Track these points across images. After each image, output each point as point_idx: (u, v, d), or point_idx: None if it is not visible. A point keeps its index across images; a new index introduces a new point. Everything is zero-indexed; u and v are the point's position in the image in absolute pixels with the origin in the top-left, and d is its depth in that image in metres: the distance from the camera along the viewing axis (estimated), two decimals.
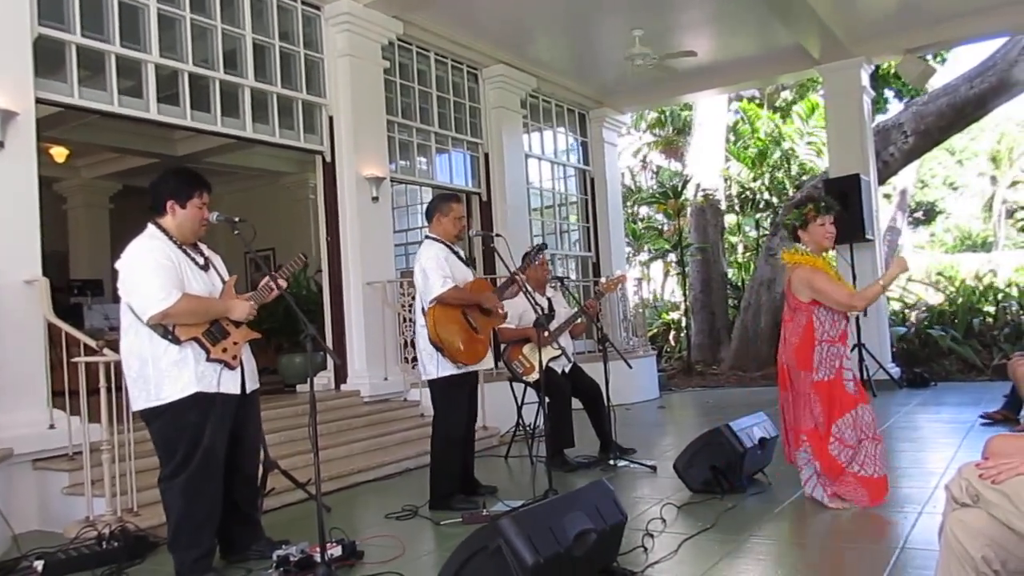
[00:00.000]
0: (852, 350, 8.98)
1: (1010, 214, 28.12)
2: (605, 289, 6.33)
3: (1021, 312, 11.03)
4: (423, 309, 4.62)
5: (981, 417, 6.47)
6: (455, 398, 4.64)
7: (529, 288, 5.16)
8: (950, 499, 2.14)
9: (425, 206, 5.26)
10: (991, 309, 11.58)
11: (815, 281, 4.04)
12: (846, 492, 3.99)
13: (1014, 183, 28.85)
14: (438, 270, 4.55)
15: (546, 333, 5.30)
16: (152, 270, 3.38)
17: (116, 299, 3.52)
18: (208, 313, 3.47)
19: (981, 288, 12.39)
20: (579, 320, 6.00)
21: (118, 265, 3.47)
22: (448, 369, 4.58)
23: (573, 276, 11.12)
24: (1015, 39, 10.86)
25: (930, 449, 5.82)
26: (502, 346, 5.93)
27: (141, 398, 3.42)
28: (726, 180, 15.45)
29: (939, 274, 15.14)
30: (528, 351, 5.75)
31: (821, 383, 4.03)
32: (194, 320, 3.42)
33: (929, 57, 11.16)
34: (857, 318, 9.00)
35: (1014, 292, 12.03)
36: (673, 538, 3.67)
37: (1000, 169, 30.57)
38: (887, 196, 19.64)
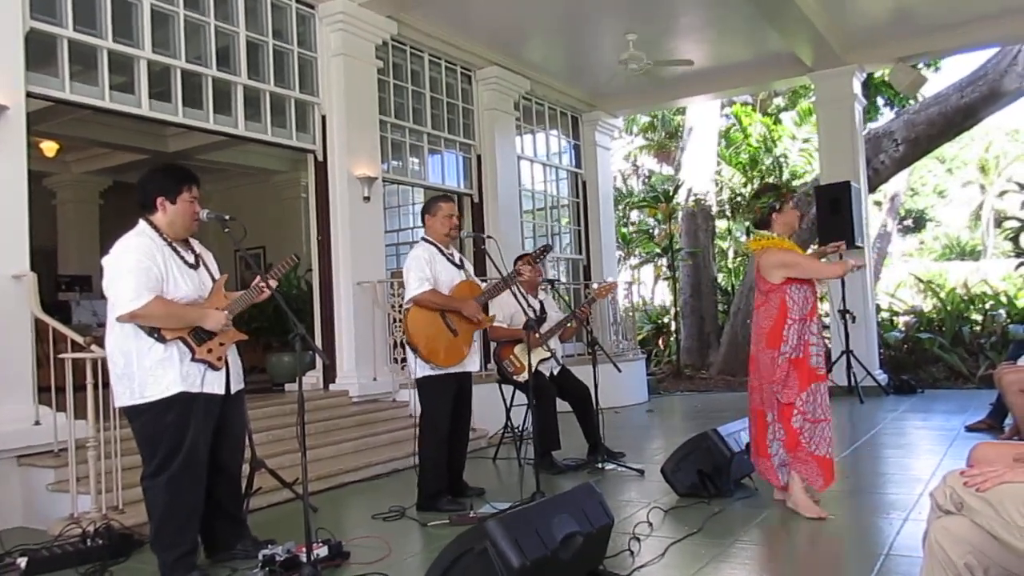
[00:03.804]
0: (840, 356, 9.04)
1: (998, 223, 28.30)
2: (597, 295, 6.40)
3: (1008, 321, 11.10)
4: (404, 309, 4.68)
5: (966, 429, 6.51)
6: (436, 398, 4.65)
7: (522, 291, 5.17)
8: (934, 506, 2.15)
9: (417, 207, 5.27)
10: (979, 317, 11.66)
11: (787, 257, 4.12)
12: (803, 469, 4.02)
13: (1003, 193, 29.04)
14: (417, 272, 4.61)
15: (537, 335, 5.31)
16: (128, 269, 3.34)
17: (104, 295, 3.49)
18: (180, 320, 3.41)
19: (969, 296, 12.47)
20: (570, 324, 6.02)
21: (103, 261, 3.45)
22: (425, 369, 4.61)
23: (564, 279, 11.13)
24: (1006, 49, 10.94)
25: (916, 456, 5.85)
26: (493, 345, 5.93)
27: (125, 395, 3.40)
28: (717, 185, 15.50)
29: (928, 281, 15.22)
30: (519, 351, 5.77)
31: (794, 360, 4.05)
32: (164, 325, 3.37)
33: (923, 65, 11.23)
34: (846, 324, 9.05)
35: (1003, 300, 12.12)
36: (660, 542, 3.68)
37: (988, 178, 30.81)
38: (877, 203, 19.75)
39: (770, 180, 11.44)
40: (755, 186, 15.17)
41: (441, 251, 4.77)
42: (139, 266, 3.35)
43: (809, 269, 4.15)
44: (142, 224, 3.53)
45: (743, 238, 15.85)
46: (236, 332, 3.60)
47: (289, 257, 3.80)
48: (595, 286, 7.06)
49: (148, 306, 3.31)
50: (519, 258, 5.15)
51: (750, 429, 4.35)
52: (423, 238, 4.86)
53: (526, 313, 4.84)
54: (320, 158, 7.40)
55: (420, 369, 4.63)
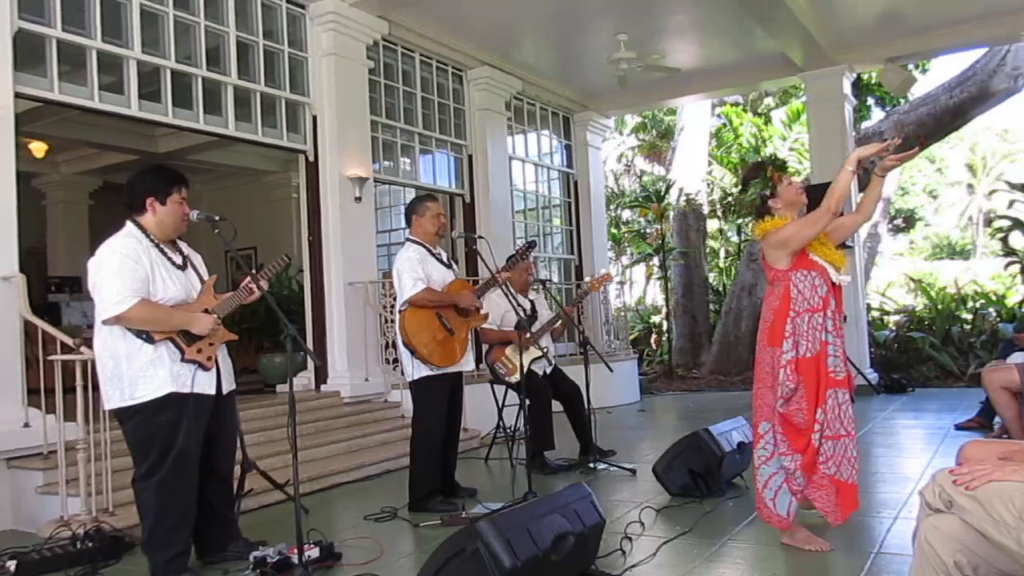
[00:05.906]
0: None
1: (988, 222, 28.47)
2: (590, 288, 6.40)
3: (998, 320, 11.16)
4: (399, 311, 4.65)
5: (956, 427, 6.54)
6: (432, 399, 4.63)
7: (512, 291, 5.17)
8: (924, 505, 2.16)
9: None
10: (969, 316, 11.71)
11: (782, 231, 3.52)
12: (818, 496, 3.45)
13: (992, 192, 29.21)
14: (410, 272, 4.56)
15: (527, 335, 5.30)
16: (112, 272, 3.32)
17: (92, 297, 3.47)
18: (167, 324, 3.39)
19: (959, 295, 12.54)
20: (558, 323, 6.01)
21: (88, 263, 3.43)
22: (423, 370, 4.58)
23: (556, 279, 11.14)
24: (995, 50, 11.01)
25: (906, 454, 5.87)
26: (484, 347, 5.93)
27: (115, 397, 3.39)
28: (709, 185, 15.53)
29: (919, 280, 15.29)
30: (511, 352, 5.75)
31: (803, 360, 3.38)
32: (151, 328, 3.35)
33: (912, 66, 11.28)
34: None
35: (993, 299, 12.18)
36: (651, 541, 3.69)
37: (977, 178, 31.00)
38: None
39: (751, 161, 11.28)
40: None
41: (430, 251, 4.74)
42: (123, 268, 3.33)
43: (799, 231, 3.48)
44: (128, 226, 3.52)
45: (734, 238, 15.88)
46: (226, 332, 3.59)
47: (280, 257, 3.78)
48: (588, 279, 7.06)
49: (133, 309, 3.29)
50: (511, 257, 5.14)
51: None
52: (409, 239, 4.80)
53: (517, 313, 4.84)
54: (311, 158, 7.38)
55: (417, 371, 4.58)
